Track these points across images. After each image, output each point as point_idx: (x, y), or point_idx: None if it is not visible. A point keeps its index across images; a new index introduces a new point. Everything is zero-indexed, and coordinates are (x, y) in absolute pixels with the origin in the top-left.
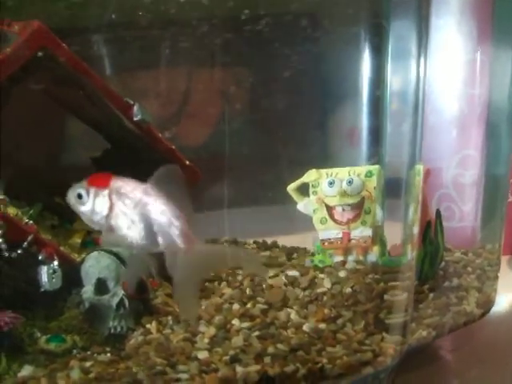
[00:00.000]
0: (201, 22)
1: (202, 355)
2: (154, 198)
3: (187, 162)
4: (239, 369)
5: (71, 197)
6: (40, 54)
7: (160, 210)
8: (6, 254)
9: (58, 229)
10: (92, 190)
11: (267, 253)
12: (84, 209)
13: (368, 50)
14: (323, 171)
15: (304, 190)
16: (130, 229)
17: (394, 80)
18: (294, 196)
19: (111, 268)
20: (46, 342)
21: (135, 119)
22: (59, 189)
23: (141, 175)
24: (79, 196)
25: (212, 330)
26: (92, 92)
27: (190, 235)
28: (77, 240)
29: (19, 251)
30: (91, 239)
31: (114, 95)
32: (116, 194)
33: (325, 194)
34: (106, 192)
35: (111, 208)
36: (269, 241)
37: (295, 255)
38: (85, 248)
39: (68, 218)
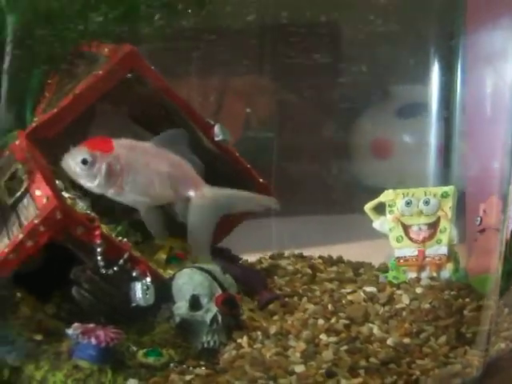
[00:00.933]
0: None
1: (299, 369)
2: (161, 152)
3: (261, 180)
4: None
5: (72, 164)
6: (129, 75)
7: (169, 163)
8: (104, 271)
9: (142, 245)
10: (98, 155)
11: (334, 268)
12: (91, 174)
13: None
14: (400, 191)
15: (380, 209)
16: (148, 185)
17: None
18: (371, 215)
19: (204, 285)
20: (144, 355)
21: (216, 139)
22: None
23: None
24: (84, 162)
25: (302, 345)
26: (174, 112)
27: (198, 181)
28: (162, 256)
29: (115, 268)
30: (174, 255)
31: (197, 115)
32: (125, 155)
33: (402, 214)
34: (113, 155)
35: (123, 170)
36: (320, 251)
37: (362, 270)
38: (169, 264)
39: (149, 234)
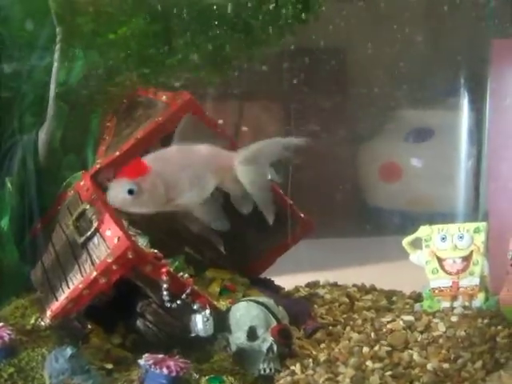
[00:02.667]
0: None
1: None
2: (187, 148)
3: (302, 215)
4: None
5: (120, 198)
6: None
7: (199, 154)
8: (168, 305)
9: (195, 278)
10: (140, 180)
11: (369, 296)
12: (142, 200)
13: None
14: (435, 227)
15: (416, 243)
16: (191, 182)
17: None
18: (408, 249)
19: (260, 317)
20: (208, 382)
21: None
22: (187, 239)
23: (256, 224)
24: (130, 192)
25: (350, 371)
26: None
27: (229, 154)
28: (216, 288)
29: (178, 302)
30: (225, 287)
31: None
32: (161, 168)
33: (437, 248)
34: (151, 173)
35: (165, 182)
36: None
37: (394, 298)
38: (221, 295)
39: (201, 267)
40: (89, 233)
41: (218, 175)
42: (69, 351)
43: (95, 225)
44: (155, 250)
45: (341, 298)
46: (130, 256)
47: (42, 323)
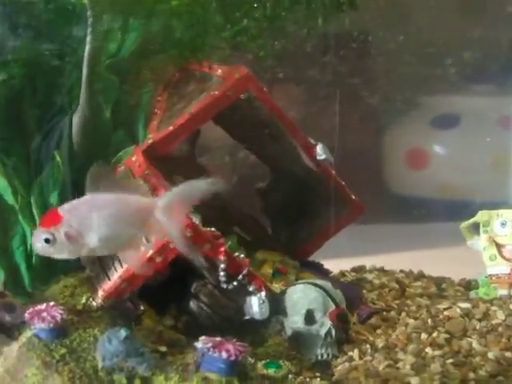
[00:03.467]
0: None
1: (415, 381)
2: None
3: (353, 197)
4: None
5: (40, 248)
6: (242, 96)
7: (115, 202)
8: (225, 286)
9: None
10: (53, 229)
11: (418, 283)
12: (59, 247)
13: None
14: (494, 212)
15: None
16: (106, 234)
17: None
18: (466, 234)
19: (319, 300)
20: (265, 367)
21: (319, 158)
22: (236, 219)
23: (306, 205)
24: (47, 241)
25: (410, 358)
26: (278, 131)
27: (149, 202)
28: (268, 270)
29: (235, 283)
30: (276, 269)
31: (301, 135)
32: (74, 217)
33: (496, 234)
34: (63, 222)
35: (78, 230)
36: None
37: (444, 285)
38: (273, 278)
39: (250, 248)
40: None
41: (136, 222)
42: (123, 333)
43: None
44: (212, 229)
45: (390, 284)
46: (189, 234)
47: (94, 303)
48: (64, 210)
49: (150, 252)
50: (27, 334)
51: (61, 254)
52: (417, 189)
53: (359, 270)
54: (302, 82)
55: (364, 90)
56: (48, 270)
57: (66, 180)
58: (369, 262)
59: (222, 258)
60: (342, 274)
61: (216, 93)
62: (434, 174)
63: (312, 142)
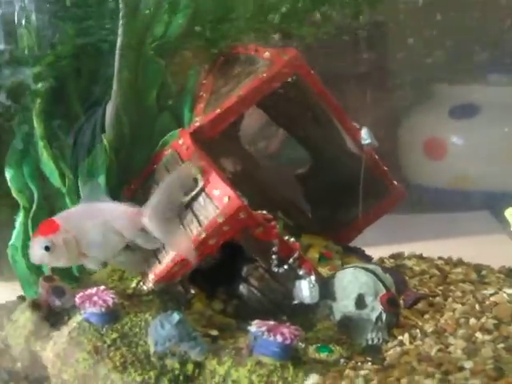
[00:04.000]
0: None
1: (468, 365)
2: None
3: (395, 183)
4: None
5: (39, 256)
6: (290, 79)
7: (107, 211)
8: (276, 270)
9: None
10: (52, 237)
11: (458, 269)
12: (57, 254)
13: None
14: None
15: None
16: (101, 242)
17: None
18: (510, 219)
19: (369, 284)
20: (317, 351)
21: (364, 143)
22: (279, 204)
23: (347, 190)
24: (46, 249)
25: (461, 342)
26: (322, 114)
27: (136, 212)
28: (315, 255)
29: (285, 267)
30: (322, 254)
31: (346, 119)
32: (70, 225)
33: None
34: (61, 230)
35: (75, 238)
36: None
37: (484, 272)
38: (320, 262)
39: (294, 233)
40: (194, 192)
41: (127, 230)
42: (176, 317)
43: (200, 184)
44: (264, 211)
45: (430, 270)
46: (242, 216)
47: (144, 287)
48: (60, 218)
49: (203, 235)
50: (77, 318)
51: (59, 261)
52: (435, 179)
53: (398, 256)
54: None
55: (382, 79)
56: None
57: (112, 163)
58: (392, 250)
59: (274, 241)
60: (382, 260)
61: (264, 75)
62: (452, 164)
63: (357, 126)
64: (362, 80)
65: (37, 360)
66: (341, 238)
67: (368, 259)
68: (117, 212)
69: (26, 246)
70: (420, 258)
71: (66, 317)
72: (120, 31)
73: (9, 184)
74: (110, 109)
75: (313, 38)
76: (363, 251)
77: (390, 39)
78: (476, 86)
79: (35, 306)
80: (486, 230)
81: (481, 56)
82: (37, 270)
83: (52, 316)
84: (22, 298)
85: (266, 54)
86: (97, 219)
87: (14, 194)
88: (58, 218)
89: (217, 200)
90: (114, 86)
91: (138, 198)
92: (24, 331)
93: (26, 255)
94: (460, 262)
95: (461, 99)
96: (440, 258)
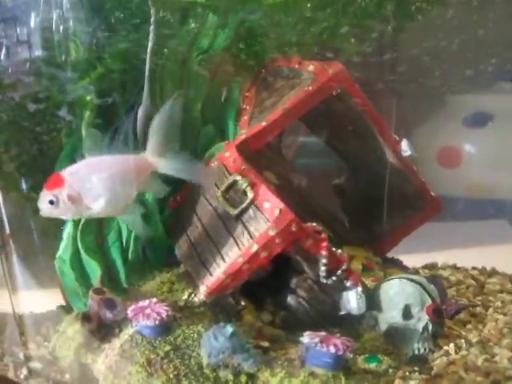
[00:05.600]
0: None
1: None
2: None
3: (433, 194)
4: None
5: (45, 209)
6: (334, 92)
7: (113, 163)
8: (325, 281)
9: None
10: (56, 191)
11: (494, 279)
12: (62, 208)
13: None
14: None
15: None
16: (108, 195)
17: None
18: None
19: (416, 295)
20: (366, 361)
21: (405, 154)
22: (319, 215)
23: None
24: (51, 202)
25: (506, 352)
26: (363, 127)
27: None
28: (358, 266)
29: (334, 278)
30: (364, 265)
31: (387, 131)
32: (75, 179)
33: None
34: (66, 185)
35: (80, 191)
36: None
37: None
38: (363, 273)
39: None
40: (244, 205)
41: (135, 180)
42: (229, 329)
43: (250, 196)
44: (314, 224)
45: (466, 280)
46: (294, 229)
47: (196, 299)
48: (66, 173)
49: (255, 247)
50: (129, 330)
51: (64, 214)
52: (449, 187)
53: (431, 267)
54: None
55: (396, 88)
56: (143, 265)
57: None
58: (411, 259)
59: (323, 253)
60: (416, 270)
61: (310, 88)
62: (466, 173)
63: (396, 137)
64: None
65: (87, 372)
66: (377, 249)
67: (407, 270)
68: (122, 164)
69: (74, 259)
70: (454, 267)
71: (116, 329)
72: (150, 36)
73: None
74: (141, 113)
75: (355, 52)
76: (401, 262)
77: (401, 48)
78: (489, 94)
79: (85, 318)
80: (505, 239)
81: (493, 64)
82: (85, 282)
83: (103, 328)
84: (62, 308)
85: (311, 68)
86: (102, 173)
87: None
88: (64, 173)
89: (267, 212)
90: (145, 90)
91: (184, 209)
92: (73, 343)
93: (74, 267)
94: (494, 272)
95: (474, 108)
96: (474, 268)
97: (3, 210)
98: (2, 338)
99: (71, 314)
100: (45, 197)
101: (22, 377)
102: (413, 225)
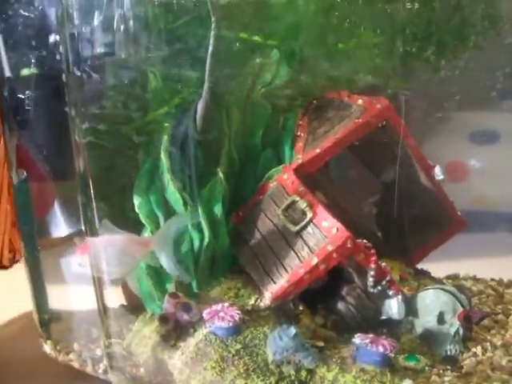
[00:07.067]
0: None
1: None
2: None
3: (459, 214)
4: None
5: (76, 268)
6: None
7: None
8: (371, 290)
9: None
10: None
11: (511, 290)
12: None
13: None
14: None
15: None
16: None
17: None
18: None
19: (449, 303)
20: (406, 360)
21: (438, 179)
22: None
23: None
24: (80, 264)
25: None
26: (402, 153)
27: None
28: (396, 277)
29: (379, 288)
30: (400, 276)
31: (422, 157)
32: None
33: None
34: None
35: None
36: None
37: None
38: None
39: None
40: (303, 223)
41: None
42: (293, 330)
43: (309, 216)
44: (364, 240)
45: (486, 291)
46: (349, 245)
47: (262, 304)
48: (89, 242)
49: (315, 260)
50: (203, 331)
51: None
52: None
53: (454, 277)
54: None
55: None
56: (211, 273)
57: (226, 193)
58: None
59: (372, 265)
60: (440, 281)
61: (360, 120)
62: (472, 188)
63: (431, 164)
64: None
65: (162, 367)
66: (408, 261)
67: (435, 280)
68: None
69: (151, 267)
70: (474, 279)
71: (191, 329)
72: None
73: (137, 210)
74: (200, 105)
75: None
76: (429, 273)
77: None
78: (497, 112)
79: (163, 319)
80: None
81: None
82: (161, 287)
83: (178, 329)
84: (124, 307)
85: (360, 102)
86: (113, 247)
87: (142, 219)
88: (88, 241)
89: (325, 230)
90: (206, 85)
91: (246, 224)
92: (150, 341)
93: (151, 275)
94: (511, 283)
95: (480, 125)
96: (492, 280)
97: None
98: (74, 335)
99: (144, 315)
100: (76, 259)
101: (100, 371)
102: (440, 240)
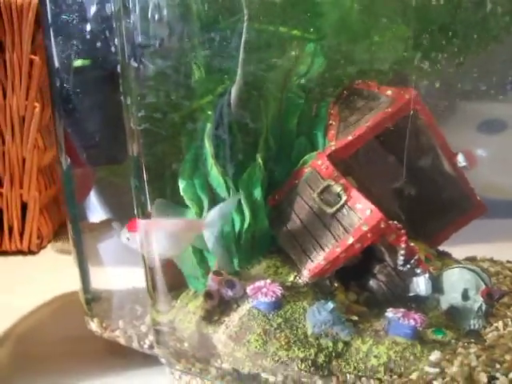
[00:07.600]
0: None
1: None
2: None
3: (480, 200)
4: None
5: (122, 238)
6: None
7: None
8: (401, 269)
9: None
10: (132, 233)
11: None
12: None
13: None
14: None
15: None
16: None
17: None
18: None
19: (472, 281)
20: (434, 333)
21: (460, 166)
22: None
23: (435, 203)
24: (128, 239)
25: None
26: (427, 141)
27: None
28: (422, 256)
29: (408, 266)
30: (425, 256)
31: (447, 146)
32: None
33: None
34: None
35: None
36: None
37: None
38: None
39: None
40: (338, 205)
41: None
42: (330, 305)
43: (344, 198)
44: (395, 222)
45: (503, 272)
46: (382, 226)
47: (300, 281)
48: (142, 223)
49: (350, 240)
50: (246, 306)
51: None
52: None
53: (472, 259)
54: None
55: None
56: (251, 251)
57: (264, 178)
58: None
59: (402, 245)
60: (459, 263)
61: (389, 110)
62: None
63: (453, 151)
64: None
65: (206, 341)
66: (431, 243)
67: (456, 261)
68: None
69: (195, 247)
70: (491, 261)
71: (234, 305)
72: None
73: (181, 193)
74: (234, 88)
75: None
76: (451, 254)
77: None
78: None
79: (208, 295)
80: None
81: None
82: (204, 266)
83: (222, 304)
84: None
85: (389, 92)
86: (164, 230)
87: (187, 202)
88: (140, 222)
89: (360, 212)
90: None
91: (282, 206)
92: (194, 317)
93: (195, 254)
94: None
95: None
96: (509, 262)
97: None
98: (119, 313)
99: (187, 293)
100: (124, 233)
101: (145, 346)
102: (461, 223)
